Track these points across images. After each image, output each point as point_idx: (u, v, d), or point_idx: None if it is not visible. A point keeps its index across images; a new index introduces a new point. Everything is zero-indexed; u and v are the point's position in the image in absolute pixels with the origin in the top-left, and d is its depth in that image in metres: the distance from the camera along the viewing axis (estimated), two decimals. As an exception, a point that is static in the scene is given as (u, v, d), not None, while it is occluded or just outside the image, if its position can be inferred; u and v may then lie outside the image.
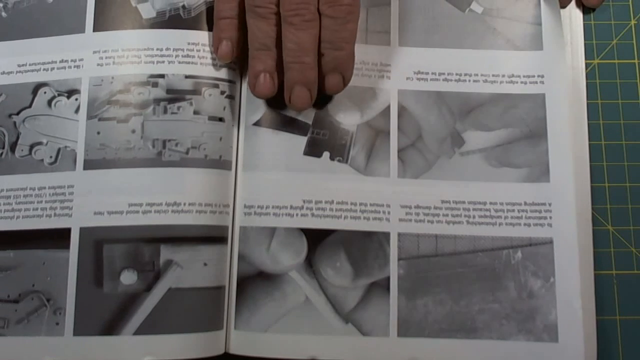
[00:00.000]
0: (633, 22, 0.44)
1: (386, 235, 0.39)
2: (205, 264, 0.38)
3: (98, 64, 0.40)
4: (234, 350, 0.37)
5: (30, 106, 0.40)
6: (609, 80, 0.43)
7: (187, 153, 0.39)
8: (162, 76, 0.40)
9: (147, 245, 0.37)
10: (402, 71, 0.42)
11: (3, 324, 0.37)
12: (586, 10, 0.44)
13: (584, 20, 0.44)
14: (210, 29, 0.41)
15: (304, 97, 0.38)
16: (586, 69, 0.43)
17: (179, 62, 0.40)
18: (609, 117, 0.42)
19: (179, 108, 0.39)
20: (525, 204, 0.39)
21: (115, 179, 0.38)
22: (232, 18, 0.39)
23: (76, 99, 0.40)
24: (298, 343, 0.37)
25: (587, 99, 0.42)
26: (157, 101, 0.39)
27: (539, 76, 0.41)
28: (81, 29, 0.41)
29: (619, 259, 0.40)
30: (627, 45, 0.43)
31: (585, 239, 0.39)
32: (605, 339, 0.38)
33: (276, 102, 0.40)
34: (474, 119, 0.41)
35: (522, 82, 0.41)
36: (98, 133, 0.39)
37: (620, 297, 0.39)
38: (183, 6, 0.41)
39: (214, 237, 0.38)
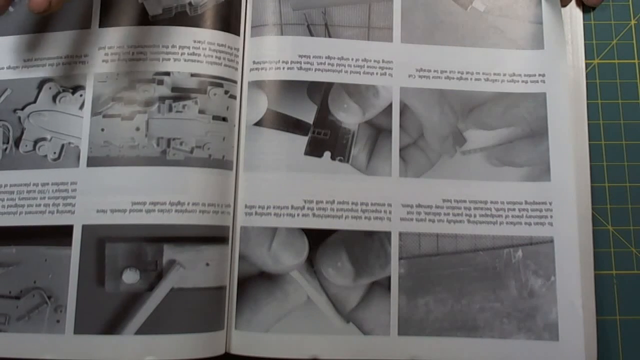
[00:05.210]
0: (633, 22, 0.38)
1: (387, 234, 0.34)
2: (207, 264, 0.33)
3: (103, 60, 0.36)
4: (235, 350, 0.33)
5: (35, 101, 0.36)
6: (609, 80, 0.38)
7: (191, 152, 0.34)
8: (167, 74, 0.35)
9: (150, 245, 0.33)
10: (404, 69, 0.37)
11: (4, 320, 0.33)
12: (586, 9, 0.39)
13: (584, 20, 0.39)
14: (217, 28, 0.36)
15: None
16: (586, 69, 0.37)
17: (185, 60, 0.35)
18: (609, 117, 0.37)
19: (184, 107, 0.35)
20: (526, 203, 0.35)
21: (118, 176, 0.34)
22: None
23: (81, 95, 0.35)
24: (299, 343, 0.33)
25: (587, 99, 0.37)
26: (162, 99, 0.35)
27: (540, 75, 0.36)
28: (87, 25, 0.36)
29: (619, 259, 0.35)
30: (627, 45, 0.38)
31: (585, 239, 0.34)
32: (605, 339, 0.34)
33: (278, 102, 0.35)
34: (476, 118, 0.36)
35: (523, 81, 0.36)
36: (102, 130, 0.35)
37: (620, 297, 0.35)
38: (189, 3, 0.36)
39: (216, 237, 0.34)
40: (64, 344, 0.32)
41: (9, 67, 0.36)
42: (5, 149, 0.35)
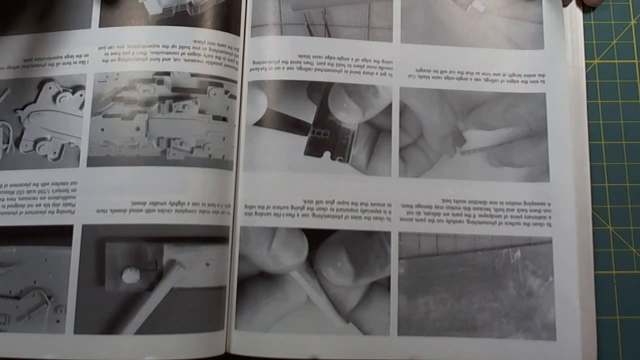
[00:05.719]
0: (633, 22, 0.38)
1: (387, 234, 0.34)
2: (207, 264, 0.33)
3: (103, 60, 0.36)
4: (235, 350, 0.33)
5: (35, 101, 0.36)
6: (609, 80, 0.38)
7: (191, 152, 0.34)
8: (167, 74, 0.35)
9: (150, 245, 0.33)
10: (404, 69, 0.37)
11: (4, 320, 0.33)
12: (586, 9, 0.39)
13: (584, 20, 0.38)
14: (217, 28, 0.36)
15: None
16: (586, 69, 0.37)
17: (185, 60, 0.35)
18: (609, 117, 0.37)
19: (184, 106, 0.35)
20: (525, 203, 0.35)
21: (118, 176, 0.34)
22: None
23: (81, 95, 0.35)
24: (299, 343, 0.33)
25: (587, 99, 0.37)
26: (162, 99, 0.35)
27: (539, 75, 0.37)
28: (87, 25, 0.36)
29: (619, 259, 0.35)
30: (627, 45, 0.38)
31: (585, 239, 0.35)
32: (605, 339, 0.34)
33: (277, 102, 0.35)
34: (476, 118, 0.36)
35: (522, 81, 0.37)
36: (102, 130, 0.35)
37: (620, 297, 0.35)
38: (190, 3, 0.36)
39: (216, 237, 0.34)
40: (64, 343, 0.32)
41: (9, 67, 0.36)
42: (6, 148, 0.35)
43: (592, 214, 0.35)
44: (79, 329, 0.32)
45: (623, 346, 0.34)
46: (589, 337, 0.33)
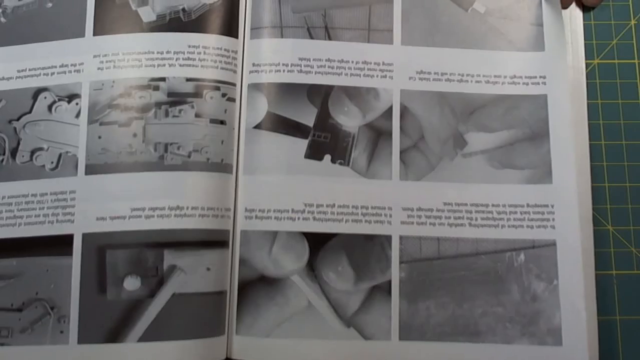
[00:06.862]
0: (633, 22, 0.39)
1: (388, 238, 0.35)
2: (208, 269, 0.34)
3: (98, 68, 0.36)
4: (236, 355, 0.34)
5: (30, 111, 0.36)
6: (609, 80, 0.39)
7: (189, 156, 0.35)
8: (163, 79, 0.36)
9: (151, 251, 0.34)
10: (404, 71, 0.37)
11: (7, 334, 0.34)
12: (586, 9, 0.40)
13: (584, 20, 0.39)
14: (211, 32, 0.36)
15: None
16: (586, 69, 0.38)
17: (180, 65, 0.36)
18: (609, 117, 0.38)
19: (180, 111, 0.35)
20: (528, 205, 0.35)
21: (117, 183, 0.35)
22: None
23: (77, 104, 0.36)
24: (300, 348, 0.34)
25: (587, 99, 0.38)
26: (158, 104, 0.36)
27: (540, 77, 0.37)
28: (81, 34, 0.37)
29: (619, 259, 0.36)
30: (627, 45, 0.39)
31: (586, 240, 0.35)
32: (606, 339, 0.35)
33: (277, 105, 0.36)
34: (476, 120, 0.37)
35: (524, 83, 0.37)
36: (99, 137, 0.35)
37: (621, 297, 0.36)
38: (183, 9, 0.37)
39: (217, 241, 0.34)
40: (68, 354, 0.33)
41: (3, 78, 0.36)
42: (2, 160, 0.35)
43: (593, 214, 0.36)
44: (83, 338, 0.33)
45: (623, 346, 0.35)
46: (591, 338, 0.34)
